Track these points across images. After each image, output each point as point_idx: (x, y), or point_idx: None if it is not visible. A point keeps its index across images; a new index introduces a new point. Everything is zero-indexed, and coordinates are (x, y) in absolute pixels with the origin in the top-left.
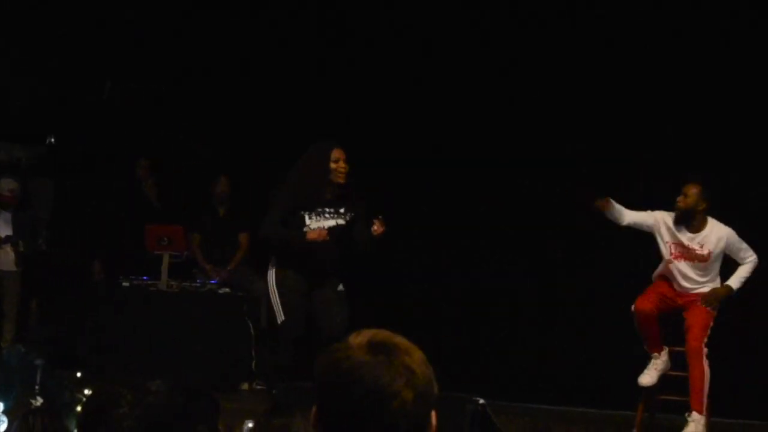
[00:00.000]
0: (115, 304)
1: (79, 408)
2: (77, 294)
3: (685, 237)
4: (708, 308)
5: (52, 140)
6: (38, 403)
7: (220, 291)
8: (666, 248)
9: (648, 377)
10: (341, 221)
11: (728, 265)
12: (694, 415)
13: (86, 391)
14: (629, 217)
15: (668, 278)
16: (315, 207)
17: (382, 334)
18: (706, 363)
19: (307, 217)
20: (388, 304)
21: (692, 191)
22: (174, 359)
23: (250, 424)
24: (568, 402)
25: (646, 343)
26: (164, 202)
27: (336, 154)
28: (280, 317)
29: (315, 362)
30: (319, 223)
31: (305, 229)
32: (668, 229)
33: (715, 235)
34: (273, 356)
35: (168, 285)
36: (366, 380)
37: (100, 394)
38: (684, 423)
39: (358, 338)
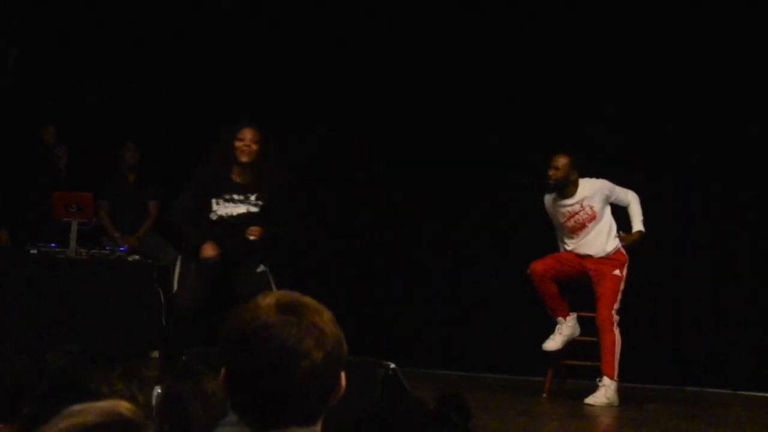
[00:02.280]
0: (22, 271)
1: None
2: None
3: (567, 205)
4: (617, 275)
5: None
6: None
7: (129, 258)
8: (559, 224)
9: (552, 343)
10: (253, 208)
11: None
12: (605, 380)
13: None
14: None
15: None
16: (223, 192)
17: (290, 294)
18: (617, 330)
19: (214, 203)
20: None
21: (562, 162)
22: (83, 327)
23: (159, 390)
24: (476, 368)
25: (549, 307)
26: (72, 168)
27: (243, 133)
28: (174, 288)
29: (222, 324)
30: (227, 210)
31: (212, 215)
32: (552, 206)
33: (590, 190)
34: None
35: (77, 252)
36: (275, 340)
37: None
38: (594, 388)
39: (266, 299)
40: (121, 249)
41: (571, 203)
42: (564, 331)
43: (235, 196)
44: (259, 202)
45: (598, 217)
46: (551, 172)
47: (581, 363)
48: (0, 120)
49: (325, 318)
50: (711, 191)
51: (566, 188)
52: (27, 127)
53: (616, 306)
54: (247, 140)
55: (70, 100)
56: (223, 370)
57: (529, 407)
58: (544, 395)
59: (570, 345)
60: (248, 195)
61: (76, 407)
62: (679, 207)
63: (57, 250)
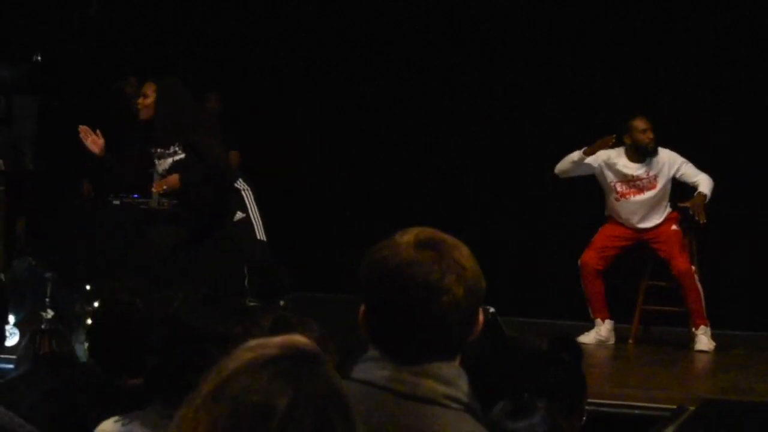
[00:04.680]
0: (106, 223)
1: (89, 321)
2: (66, 213)
3: (633, 169)
4: (675, 230)
5: (38, 58)
6: (49, 316)
7: None
8: (610, 189)
9: (585, 337)
10: (178, 157)
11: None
12: (702, 328)
13: (96, 304)
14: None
15: (618, 220)
16: (153, 148)
17: (429, 231)
18: (699, 283)
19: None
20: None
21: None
22: (170, 276)
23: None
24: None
25: (590, 305)
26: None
27: (142, 89)
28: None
29: (360, 262)
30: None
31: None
32: (611, 167)
33: (663, 160)
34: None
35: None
36: (416, 277)
37: (108, 309)
38: (685, 336)
39: (405, 236)
40: None
41: (639, 170)
42: (601, 333)
43: (159, 150)
44: (178, 149)
45: (658, 188)
46: (651, 135)
47: (666, 308)
48: (82, 70)
49: (464, 253)
50: None
51: (646, 153)
52: (109, 77)
53: (690, 259)
54: (141, 97)
55: (151, 50)
56: (362, 307)
57: (618, 353)
58: (630, 341)
59: (650, 290)
60: (167, 147)
61: (254, 342)
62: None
63: (140, 200)
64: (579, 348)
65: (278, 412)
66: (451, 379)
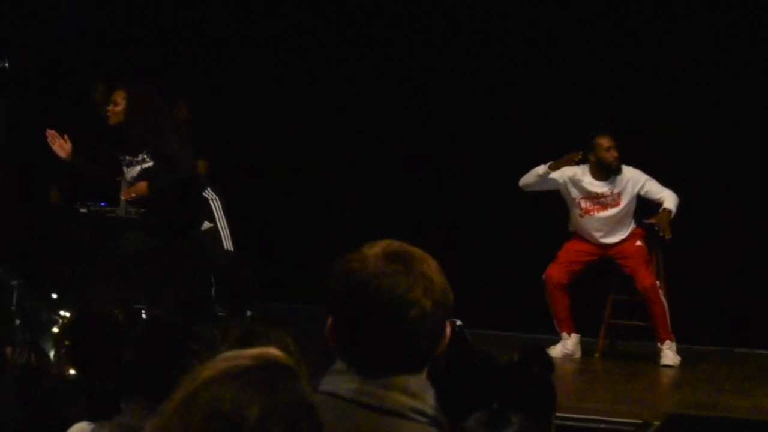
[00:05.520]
0: (73, 230)
1: (55, 329)
2: (33, 219)
3: (598, 186)
4: (639, 246)
5: (6, 65)
6: (16, 324)
7: None
8: (575, 205)
9: (553, 350)
10: (146, 165)
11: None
12: (667, 342)
13: (62, 312)
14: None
15: (582, 236)
16: (121, 156)
17: (397, 244)
18: (663, 298)
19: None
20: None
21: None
22: (134, 285)
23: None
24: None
25: (555, 319)
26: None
27: (111, 96)
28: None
29: (328, 274)
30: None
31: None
32: (575, 182)
33: (627, 177)
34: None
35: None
36: (384, 289)
37: (87, 315)
38: (650, 350)
39: (373, 248)
40: None
41: (603, 187)
42: (568, 347)
43: (128, 157)
44: (147, 157)
45: (622, 205)
46: (615, 153)
47: (632, 323)
48: (50, 75)
49: (432, 266)
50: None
51: (610, 171)
52: (76, 81)
53: (654, 274)
54: (111, 104)
55: (120, 54)
56: (329, 319)
57: (584, 366)
58: (597, 355)
59: (616, 305)
60: (137, 155)
61: (229, 353)
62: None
63: (107, 209)
64: (551, 361)
65: (249, 422)
66: (418, 392)
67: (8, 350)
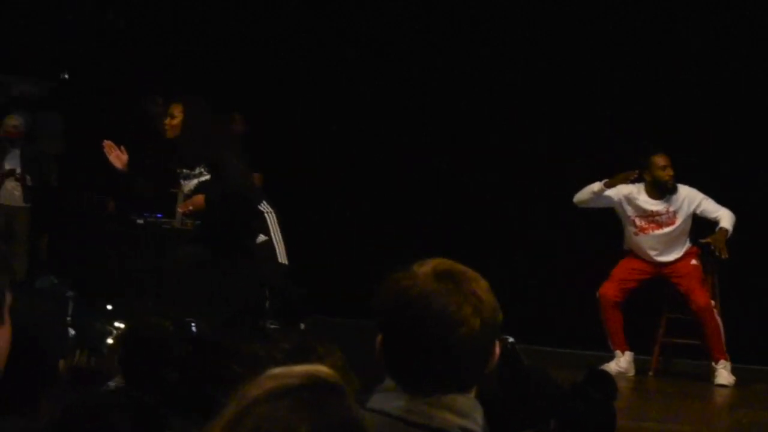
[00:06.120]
0: (129, 242)
1: (110, 340)
2: (90, 231)
3: (654, 205)
4: (694, 265)
5: (66, 76)
6: (71, 334)
7: None
8: (630, 223)
9: (607, 367)
10: (203, 178)
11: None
12: (721, 362)
13: (117, 324)
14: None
15: (637, 254)
16: (178, 169)
17: (447, 262)
18: (718, 317)
19: (182, 180)
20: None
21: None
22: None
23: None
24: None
25: (609, 337)
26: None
27: (169, 109)
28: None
29: (377, 292)
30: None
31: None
32: (631, 201)
33: (683, 196)
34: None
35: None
36: (434, 308)
37: (140, 326)
38: (706, 369)
39: (423, 267)
40: None
41: (659, 205)
42: (621, 365)
43: (188, 171)
44: (203, 171)
45: (678, 224)
46: (671, 172)
47: (686, 341)
48: (107, 87)
49: (482, 286)
50: None
51: (665, 189)
52: (133, 95)
53: (709, 293)
54: (168, 117)
55: (175, 68)
56: (378, 337)
57: (638, 385)
58: (650, 373)
59: (670, 323)
60: (193, 168)
61: (277, 370)
62: None
63: (163, 220)
64: (615, 386)
65: None
66: (467, 411)
67: (61, 363)
